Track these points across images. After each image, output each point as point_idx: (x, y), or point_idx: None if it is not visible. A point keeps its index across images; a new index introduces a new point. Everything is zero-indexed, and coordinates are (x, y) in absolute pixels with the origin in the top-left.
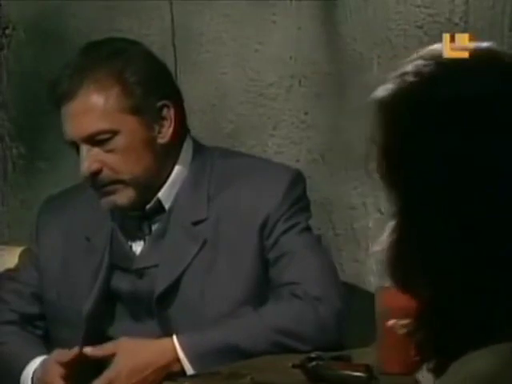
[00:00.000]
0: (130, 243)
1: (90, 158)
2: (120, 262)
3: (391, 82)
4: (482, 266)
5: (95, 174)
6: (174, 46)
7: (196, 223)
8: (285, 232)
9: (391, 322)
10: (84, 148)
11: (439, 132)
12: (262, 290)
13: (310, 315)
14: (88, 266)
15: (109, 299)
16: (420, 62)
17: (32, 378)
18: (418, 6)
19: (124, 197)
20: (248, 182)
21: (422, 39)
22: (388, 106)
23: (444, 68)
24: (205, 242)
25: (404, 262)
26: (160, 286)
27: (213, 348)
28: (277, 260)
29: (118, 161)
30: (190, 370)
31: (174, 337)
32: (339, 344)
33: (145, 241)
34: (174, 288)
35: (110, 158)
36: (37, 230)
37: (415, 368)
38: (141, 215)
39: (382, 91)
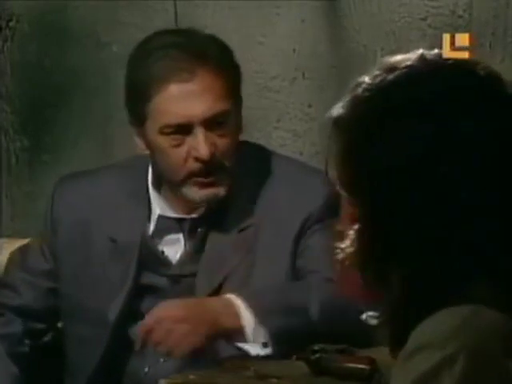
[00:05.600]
0: (161, 247)
1: (208, 141)
2: (151, 267)
3: (344, 99)
4: (443, 245)
5: (209, 159)
6: None
7: (240, 230)
8: (315, 232)
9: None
10: (200, 131)
11: (390, 142)
12: None
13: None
14: (114, 267)
15: (138, 304)
16: (371, 75)
17: None
18: None
19: (224, 188)
20: (288, 187)
21: (426, 31)
22: (341, 124)
23: (390, 81)
24: (247, 252)
25: (374, 259)
26: (199, 296)
27: (275, 304)
28: (302, 252)
29: (227, 145)
30: (251, 326)
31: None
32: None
33: (185, 245)
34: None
35: (221, 142)
36: (52, 217)
37: None
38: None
39: (336, 110)
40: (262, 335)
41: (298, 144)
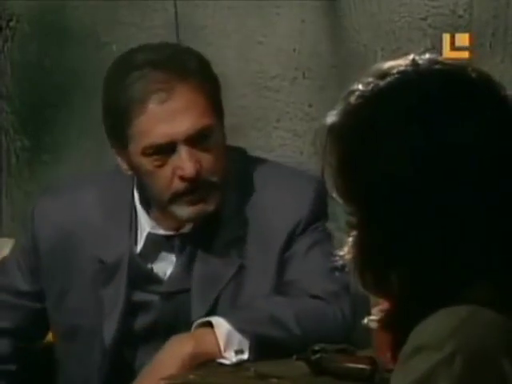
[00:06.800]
0: (150, 265)
1: (192, 159)
2: (142, 285)
3: (338, 107)
4: (443, 245)
5: (195, 177)
6: (177, 38)
7: (229, 243)
8: (303, 238)
9: (364, 321)
10: (184, 149)
11: (384, 149)
12: None
13: (329, 312)
14: (104, 288)
15: (132, 323)
16: (364, 82)
17: None
18: None
19: (213, 203)
20: (274, 195)
21: (426, 31)
22: (335, 132)
23: (382, 88)
24: (240, 267)
25: (372, 264)
26: (197, 314)
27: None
28: (288, 259)
29: (213, 160)
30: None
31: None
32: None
33: (176, 262)
34: (208, 314)
35: (206, 158)
36: (32, 235)
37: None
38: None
39: (330, 118)
40: (237, 342)
41: (298, 144)
